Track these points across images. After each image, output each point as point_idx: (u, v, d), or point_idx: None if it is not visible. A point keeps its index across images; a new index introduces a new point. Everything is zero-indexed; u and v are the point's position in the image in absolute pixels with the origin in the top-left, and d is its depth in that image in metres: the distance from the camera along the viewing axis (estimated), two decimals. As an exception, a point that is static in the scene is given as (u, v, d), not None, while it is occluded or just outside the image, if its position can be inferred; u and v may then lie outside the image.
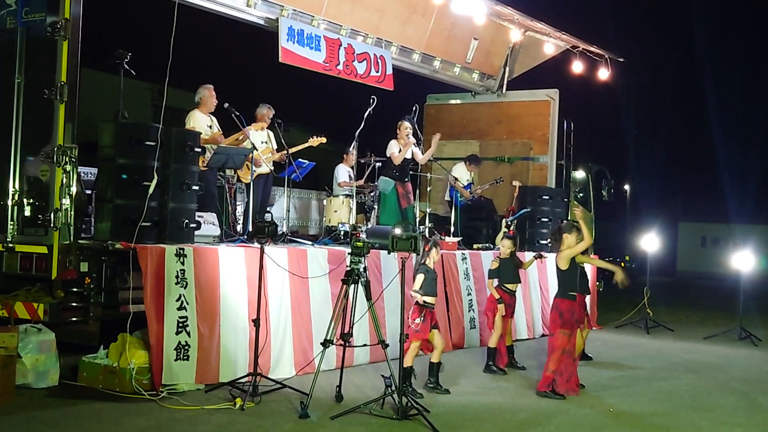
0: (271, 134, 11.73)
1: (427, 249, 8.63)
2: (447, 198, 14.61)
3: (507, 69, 16.41)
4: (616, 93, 28.35)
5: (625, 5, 36.66)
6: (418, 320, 8.43)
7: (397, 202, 12.38)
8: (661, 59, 38.66)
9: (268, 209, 11.72)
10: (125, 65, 9.23)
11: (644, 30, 39.62)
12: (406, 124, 12.42)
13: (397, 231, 8.86)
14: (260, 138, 11.42)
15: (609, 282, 11.63)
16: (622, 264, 31.19)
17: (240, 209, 11.56)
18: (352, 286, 7.87)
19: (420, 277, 8.54)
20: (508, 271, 10.25)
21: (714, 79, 36.70)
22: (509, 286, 10.23)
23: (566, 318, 8.88)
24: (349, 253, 8.22)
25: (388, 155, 12.53)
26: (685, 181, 41.14)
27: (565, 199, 15.23)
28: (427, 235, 10.86)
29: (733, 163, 36.19)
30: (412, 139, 12.47)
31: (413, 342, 8.43)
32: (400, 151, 12.43)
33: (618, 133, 36.44)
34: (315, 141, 11.89)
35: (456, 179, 13.88)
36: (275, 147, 11.75)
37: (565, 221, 12.65)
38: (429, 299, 8.55)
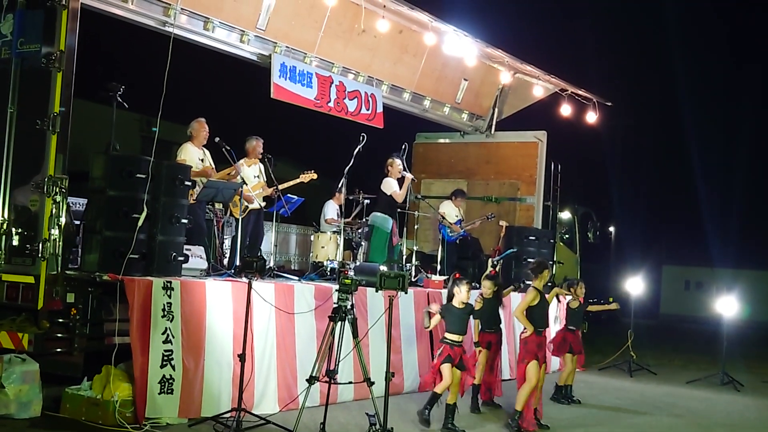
0: (262, 167, 11.70)
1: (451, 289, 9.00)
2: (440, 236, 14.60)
3: (496, 110, 16.57)
4: (602, 136, 28.60)
5: (610, 50, 37.06)
6: (437, 353, 8.82)
7: (390, 239, 12.36)
8: (645, 104, 39.03)
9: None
10: (118, 98, 9.29)
11: (628, 74, 40.02)
12: (398, 161, 12.25)
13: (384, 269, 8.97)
14: (252, 172, 11.42)
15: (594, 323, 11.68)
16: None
17: (227, 243, 11.54)
18: (339, 323, 7.89)
19: (436, 318, 8.93)
20: (492, 313, 10.26)
21: (696, 124, 37.09)
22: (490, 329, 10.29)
23: (529, 348, 9.05)
24: (336, 290, 8.23)
25: (388, 193, 12.19)
26: (670, 224, 41.37)
27: (551, 240, 15.31)
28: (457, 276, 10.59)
29: (716, 208, 36.48)
30: (409, 174, 12.29)
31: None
32: (400, 188, 12.22)
33: (604, 176, 36.72)
34: (306, 177, 11.84)
35: (444, 214, 13.88)
36: (265, 180, 11.76)
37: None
38: (450, 336, 8.77)
